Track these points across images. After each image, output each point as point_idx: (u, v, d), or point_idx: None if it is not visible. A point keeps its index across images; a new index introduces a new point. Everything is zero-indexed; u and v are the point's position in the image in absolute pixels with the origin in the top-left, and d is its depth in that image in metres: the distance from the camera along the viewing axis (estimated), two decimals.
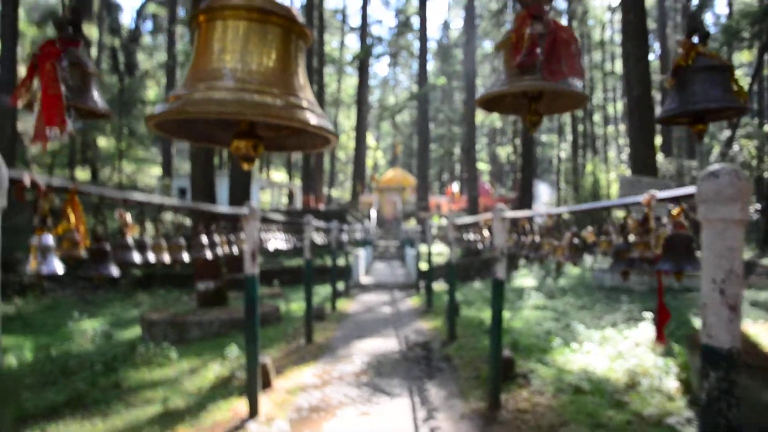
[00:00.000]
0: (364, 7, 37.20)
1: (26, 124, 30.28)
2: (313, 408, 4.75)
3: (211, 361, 6.48)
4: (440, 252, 20.10)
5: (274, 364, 5.78)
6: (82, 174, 30.00)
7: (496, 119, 42.86)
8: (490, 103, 1.37)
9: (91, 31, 29.13)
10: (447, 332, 7.73)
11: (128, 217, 2.45)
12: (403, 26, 40.94)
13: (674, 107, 1.60)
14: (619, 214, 3.09)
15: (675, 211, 1.87)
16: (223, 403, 4.84)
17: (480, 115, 40.66)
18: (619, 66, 45.61)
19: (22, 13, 29.43)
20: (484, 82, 51.12)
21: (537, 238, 3.50)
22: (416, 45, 38.07)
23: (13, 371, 6.74)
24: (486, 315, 9.25)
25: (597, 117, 44.46)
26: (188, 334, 8.55)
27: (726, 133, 27.17)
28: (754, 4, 22.63)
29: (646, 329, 7.03)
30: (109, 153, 32.02)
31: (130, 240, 2.44)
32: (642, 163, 12.54)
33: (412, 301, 12.26)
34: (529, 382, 5.17)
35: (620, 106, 46.84)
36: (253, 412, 4.42)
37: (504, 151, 47.78)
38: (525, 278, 15.29)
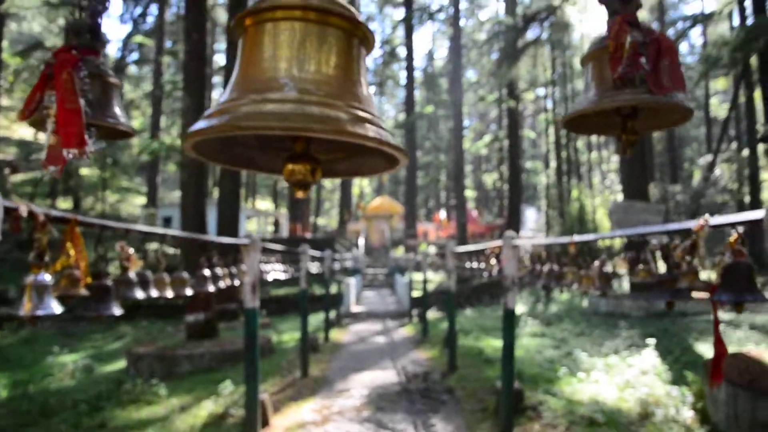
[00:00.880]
0: None
1: (5, 153, 29.84)
2: None
3: (204, 397, 6.17)
4: (430, 279, 19.90)
5: (270, 400, 5.52)
6: (64, 204, 29.49)
7: (481, 146, 43.19)
8: (575, 123, 1.22)
9: None
10: (446, 362, 7.51)
11: (130, 250, 2.27)
12: (390, 56, 41.38)
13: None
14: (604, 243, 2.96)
15: (732, 237, 1.74)
16: None
17: (466, 142, 40.98)
18: None
19: (5, 44, 29.28)
20: (469, 110, 51.76)
21: (555, 267, 3.36)
22: (402, 74, 38.44)
23: None
24: (485, 344, 9.04)
25: (580, 143, 45.03)
26: (177, 369, 8.21)
27: (707, 158, 27.65)
28: (726, 34, 23.25)
29: (649, 356, 6.89)
30: (91, 182, 31.56)
31: (132, 275, 2.26)
32: (635, 189, 12.57)
33: (406, 330, 12.01)
34: (540, 415, 4.98)
35: None
36: None
37: (490, 178, 48.09)
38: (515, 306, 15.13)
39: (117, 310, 2.03)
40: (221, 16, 33.97)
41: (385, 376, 7.30)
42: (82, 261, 1.82)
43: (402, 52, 39.04)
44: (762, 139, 19.48)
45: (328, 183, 52.76)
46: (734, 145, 29.04)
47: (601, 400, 5.40)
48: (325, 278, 10.50)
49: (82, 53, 1.04)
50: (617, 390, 5.72)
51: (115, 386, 6.72)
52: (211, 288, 3.11)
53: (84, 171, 31.36)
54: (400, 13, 43.05)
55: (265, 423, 4.96)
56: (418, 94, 49.09)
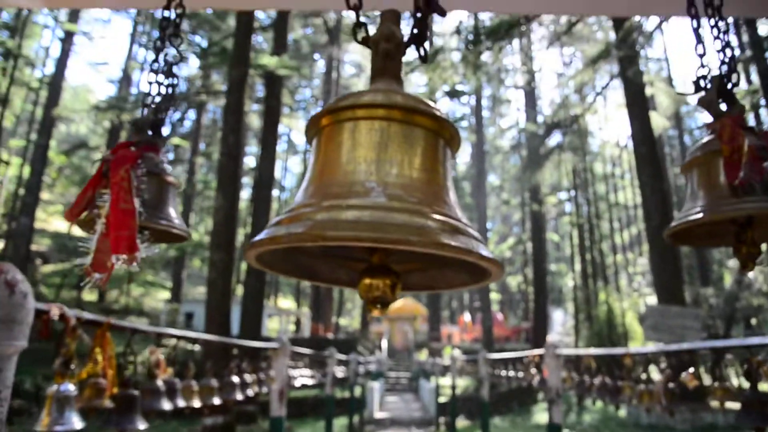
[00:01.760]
0: None
1: (38, 245, 30.58)
2: None
3: None
4: (455, 385, 18.99)
5: None
6: (90, 296, 29.70)
7: (505, 249, 43.05)
8: (681, 235, 1.10)
9: None
10: None
11: (161, 356, 2.13)
12: None
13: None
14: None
15: None
16: None
17: (490, 245, 40.86)
18: (622, 197, 46.71)
19: (53, 143, 31.06)
20: (492, 213, 52.18)
21: (608, 380, 3.10)
22: None
23: None
24: None
25: (604, 246, 44.52)
26: None
27: (735, 260, 26.94)
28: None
29: None
30: (118, 275, 31.86)
31: (160, 383, 2.10)
32: (669, 292, 12.14)
33: None
34: None
35: (626, 235, 47.29)
36: None
37: (514, 280, 47.43)
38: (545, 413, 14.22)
39: (141, 424, 1.85)
40: (254, 121, 35.75)
41: None
42: (111, 369, 1.68)
43: None
44: None
45: None
46: (764, 246, 28.44)
47: None
48: (350, 382, 10.06)
49: (143, 150, 0.97)
50: None
51: None
52: (239, 396, 2.91)
53: None
54: None
55: None
56: None
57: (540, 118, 26.91)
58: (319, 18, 28.13)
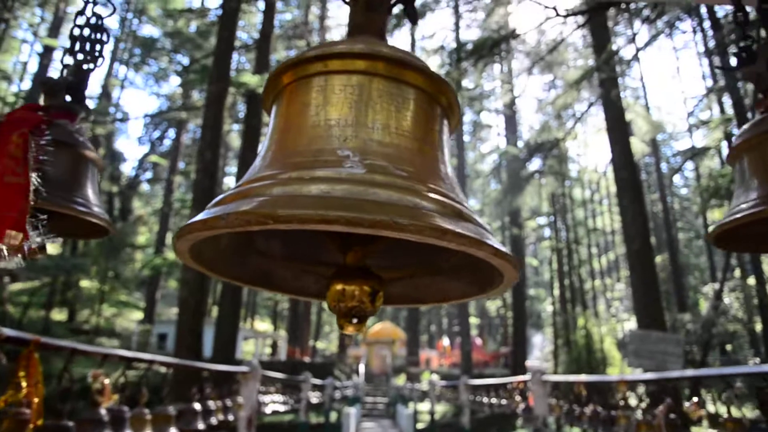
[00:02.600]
0: None
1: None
2: None
3: None
4: (434, 411, 18.62)
5: None
6: (59, 315, 28.80)
7: None
8: (728, 237, 0.91)
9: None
10: None
11: (106, 380, 1.88)
12: None
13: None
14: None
15: None
16: None
17: None
18: (600, 222, 47.17)
19: None
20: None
21: (600, 408, 2.90)
22: None
23: None
24: None
25: (583, 271, 44.69)
26: None
27: (713, 286, 27.19)
28: (717, 167, 24.03)
29: None
30: (89, 295, 31.02)
31: (103, 412, 1.84)
32: (649, 317, 12.08)
33: None
34: None
35: (604, 260, 47.69)
36: None
37: (494, 305, 47.38)
38: None
39: None
40: (235, 141, 35.40)
41: None
42: (36, 397, 1.43)
43: None
44: None
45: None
46: (738, 272, 28.80)
47: None
48: (325, 408, 9.72)
49: (52, 116, 0.75)
50: None
51: None
52: (201, 426, 2.64)
53: (84, 283, 30.99)
54: None
55: None
56: None
57: (520, 143, 27.16)
58: (302, 40, 28.18)
